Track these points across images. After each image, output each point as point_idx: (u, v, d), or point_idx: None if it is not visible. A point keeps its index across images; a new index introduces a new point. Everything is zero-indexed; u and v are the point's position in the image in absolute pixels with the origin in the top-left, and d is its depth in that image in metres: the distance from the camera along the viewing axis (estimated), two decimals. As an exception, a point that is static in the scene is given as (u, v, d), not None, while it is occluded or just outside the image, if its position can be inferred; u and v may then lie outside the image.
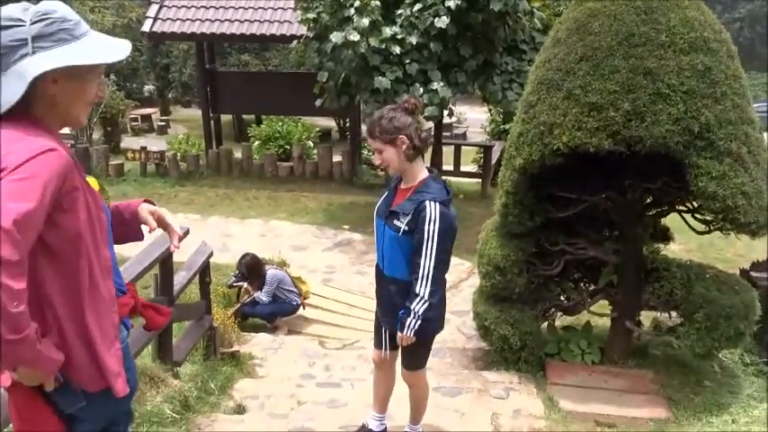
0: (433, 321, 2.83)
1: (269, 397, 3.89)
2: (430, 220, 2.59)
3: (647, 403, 4.01)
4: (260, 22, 11.26)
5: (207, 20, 11.24)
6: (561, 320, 4.97)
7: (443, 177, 11.90)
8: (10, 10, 1.42)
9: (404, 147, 2.63)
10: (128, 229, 1.77)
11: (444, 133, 17.02)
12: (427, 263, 2.60)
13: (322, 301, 6.67)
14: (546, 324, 4.76)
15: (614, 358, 4.50)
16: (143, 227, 1.82)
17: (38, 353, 1.35)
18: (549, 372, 4.37)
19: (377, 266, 2.96)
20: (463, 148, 12.13)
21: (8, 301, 1.22)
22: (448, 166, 11.09)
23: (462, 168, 11.67)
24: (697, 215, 4.15)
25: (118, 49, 1.53)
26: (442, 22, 7.56)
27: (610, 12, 3.59)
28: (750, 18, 33.28)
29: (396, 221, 2.68)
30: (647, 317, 4.96)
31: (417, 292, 2.65)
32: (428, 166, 2.86)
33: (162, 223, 1.79)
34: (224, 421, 3.26)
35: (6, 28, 1.40)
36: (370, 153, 2.75)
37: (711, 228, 4.01)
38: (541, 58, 3.95)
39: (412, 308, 2.67)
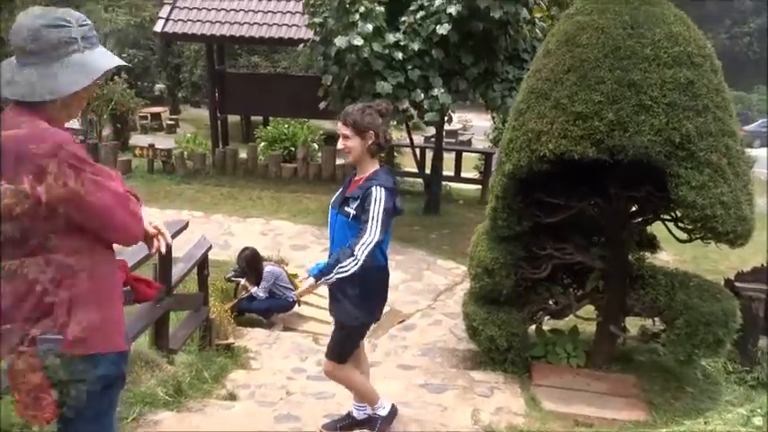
0: (362, 312, 2.96)
1: (260, 387, 4.03)
2: (375, 201, 2.76)
3: (627, 406, 4.11)
4: (269, 25, 11.46)
5: (217, 22, 11.44)
6: (551, 324, 5.07)
7: (444, 183, 11.77)
8: (59, 12, 1.65)
9: (369, 141, 2.85)
10: None
11: (449, 140, 17.05)
12: (369, 238, 2.72)
13: (318, 299, 6.78)
14: (534, 327, 4.88)
15: (599, 362, 4.60)
16: None
17: None
18: (534, 373, 4.48)
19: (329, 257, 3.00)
20: (465, 154, 12.24)
21: None
22: (448, 171, 11.22)
23: (463, 174, 11.78)
24: (680, 224, 4.26)
25: (115, 57, 1.78)
26: (444, 28, 7.68)
27: (598, 25, 3.74)
28: (760, 32, 33.26)
29: (347, 208, 2.87)
30: (635, 324, 5.05)
31: (354, 252, 2.70)
32: (382, 163, 3.05)
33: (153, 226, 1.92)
34: (214, 406, 3.40)
35: (61, 26, 1.64)
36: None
37: (692, 237, 4.12)
38: (533, 68, 4.09)
39: (340, 261, 2.70)
